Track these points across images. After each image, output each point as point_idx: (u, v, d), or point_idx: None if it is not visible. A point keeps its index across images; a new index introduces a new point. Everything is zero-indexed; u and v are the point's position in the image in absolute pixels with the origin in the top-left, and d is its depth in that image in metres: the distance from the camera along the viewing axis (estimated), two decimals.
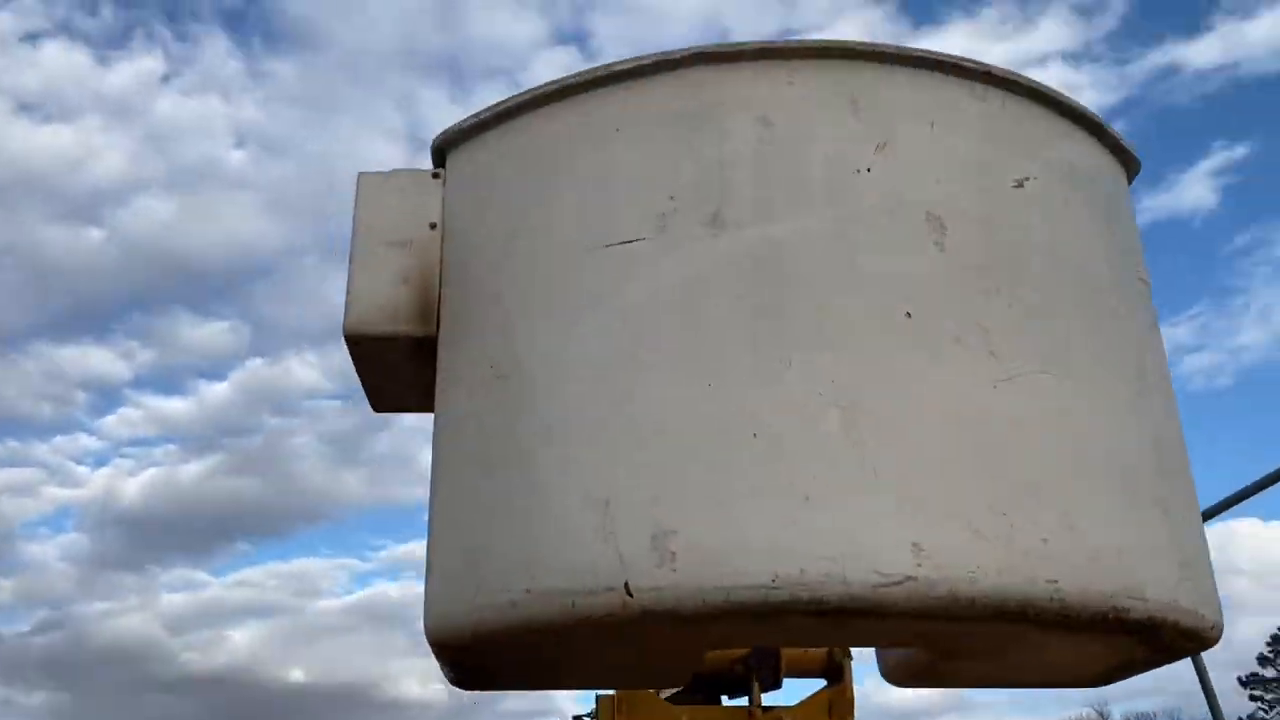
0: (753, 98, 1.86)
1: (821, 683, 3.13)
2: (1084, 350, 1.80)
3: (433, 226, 2.07)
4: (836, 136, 1.83)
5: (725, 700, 3.22)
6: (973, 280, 1.76)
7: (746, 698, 3.07)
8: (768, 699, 3.03)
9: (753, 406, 1.63)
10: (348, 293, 2.02)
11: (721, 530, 1.56)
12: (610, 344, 1.72)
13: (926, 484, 1.59)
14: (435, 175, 2.12)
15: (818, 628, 1.62)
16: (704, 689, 3.18)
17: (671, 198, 1.79)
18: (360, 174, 2.13)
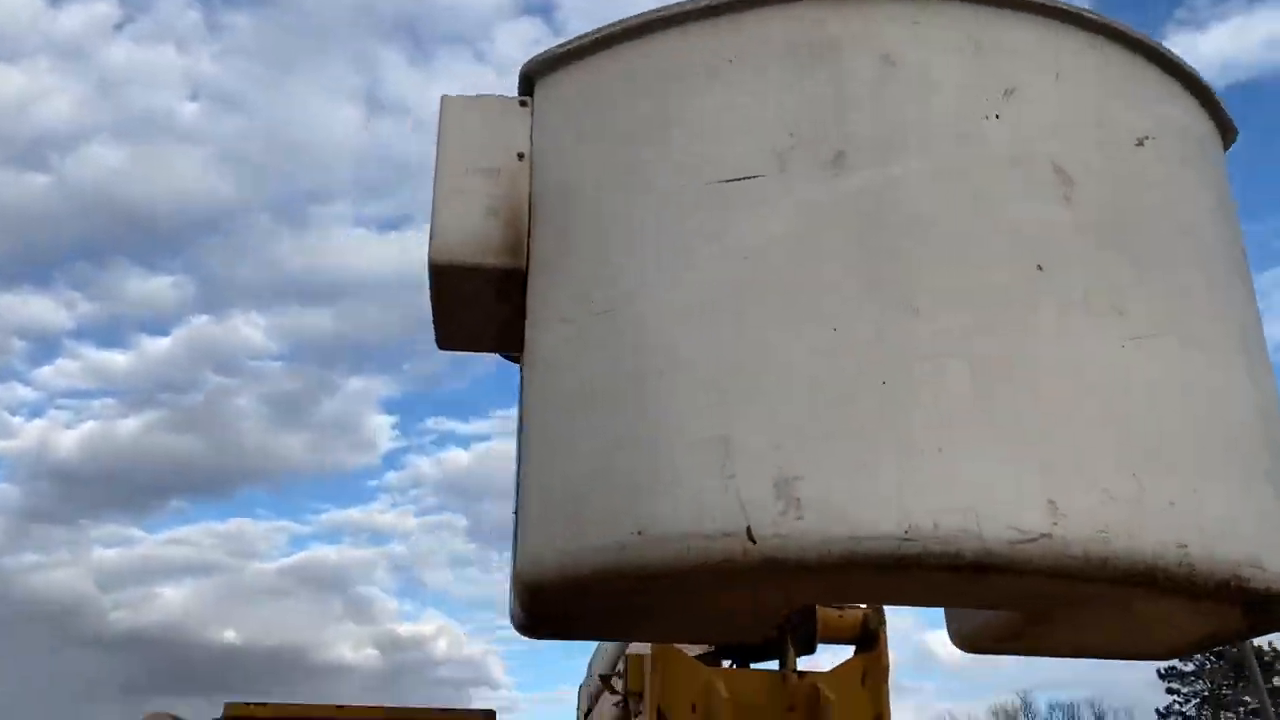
0: (875, 35, 1.78)
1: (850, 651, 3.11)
2: (1203, 315, 1.76)
3: (520, 157, 1.97)
4: (962, 81, 1.76)
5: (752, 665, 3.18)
6: (1099, 237, 1.71)
7: (776, 661, 3.04)
8: (800, 664, 3.00)
9: (880, 354, 1.57)
10: (434, 220, 1.92)
11: (851, 479, 1.50)
12: (726, 284, 1.65)
13: (1058, 441, 1.54)
14: (522, 104, 2.02)
15: (944, 583, 1.57)
16: (733, 651, 3.14)
17: (791, 134, 1.72)
18: (444, 96, 2.03)
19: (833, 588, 1.63)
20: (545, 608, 1.74)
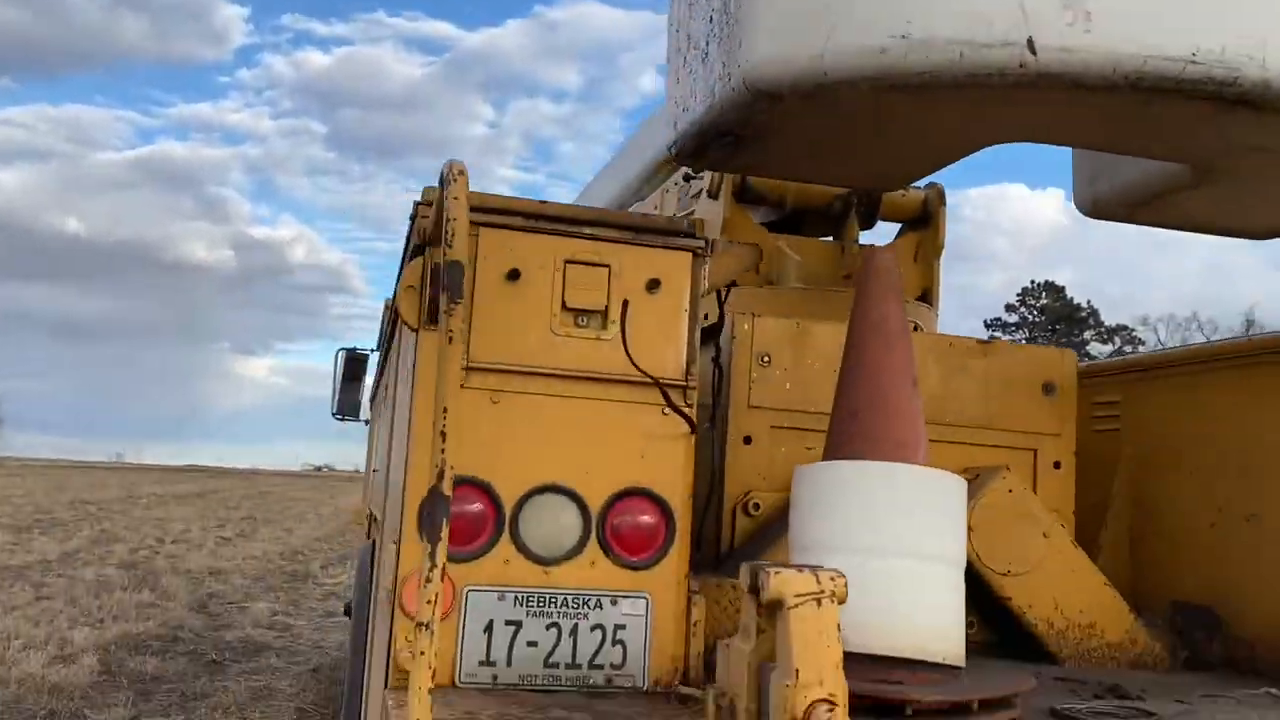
0: None
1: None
2: None
3: None
4: None
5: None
6: None
7: (832, 236, 3.11)
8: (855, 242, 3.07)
9: None
10: None
11: None
12: None
13: None
14: None
15: (1189, 121, 1.58)
16: (792, 223, 3.18)
17: None
18: None
19: (1085, 116, 1.62)
20: (760, 117, 1.69)
